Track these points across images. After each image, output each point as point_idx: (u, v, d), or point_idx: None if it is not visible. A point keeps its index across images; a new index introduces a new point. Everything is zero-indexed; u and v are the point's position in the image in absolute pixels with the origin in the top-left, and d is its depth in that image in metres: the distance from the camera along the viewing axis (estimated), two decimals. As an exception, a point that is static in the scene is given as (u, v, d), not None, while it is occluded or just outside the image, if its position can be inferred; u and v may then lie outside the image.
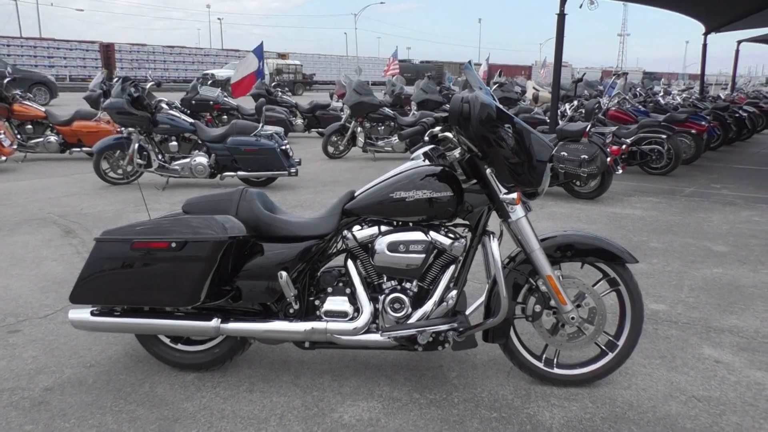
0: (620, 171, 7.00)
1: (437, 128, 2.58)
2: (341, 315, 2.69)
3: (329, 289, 2.75)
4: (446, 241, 2.62)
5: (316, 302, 2.75)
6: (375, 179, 2.73)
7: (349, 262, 2.72)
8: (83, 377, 2.81)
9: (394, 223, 2.69)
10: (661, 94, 13.88)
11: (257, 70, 14.26)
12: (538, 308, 2.70)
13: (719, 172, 9.77)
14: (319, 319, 2.71)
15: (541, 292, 2.69)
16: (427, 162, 2.68)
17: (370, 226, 2.69)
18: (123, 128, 7.64)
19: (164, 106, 7.66)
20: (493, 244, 2.58)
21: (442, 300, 2.64)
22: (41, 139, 9.85)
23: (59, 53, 42.85)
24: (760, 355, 3.08)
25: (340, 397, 2.65)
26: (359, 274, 2.70)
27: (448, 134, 2.77)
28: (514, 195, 2.53)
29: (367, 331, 2.66)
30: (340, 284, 2.77)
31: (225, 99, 12.21)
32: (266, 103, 12.77)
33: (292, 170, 7.45)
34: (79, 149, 9.88)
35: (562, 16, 8.39)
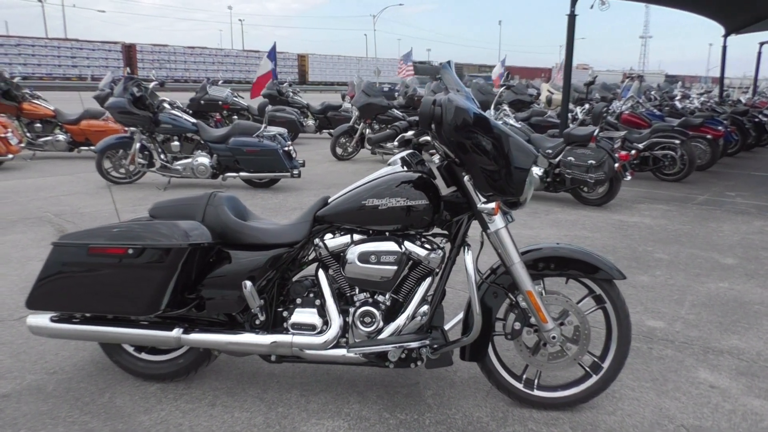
0: (629, 177, 6.78)
1: (409, 133, 2.44)
2: (309, 328, 2.56)
3: (298, 300, 2.62)
4: (422, 252, 2.48)
5: (284, 313, 2.62)
6: (351, 184, 2.60)
7: (320, 272, 2.59)
8: (43, 384, 2.71)
9: (369, 231, 2.55)
10: (679, 97, 13.56)
11: (272, 70, 14.28)
12: (517, 326, 2.54)
13: (735, 179, 9.47)
14: (285, 331, 2.58)
15: (521, 308, 2.53)
16: (404, 168, 2.54)
17: (342, 235, 2.55)
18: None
19: (166, 105, 7.61)
20: (467, 257, 2.43)
21: (415, 314, 2.49)
22: (50, 138, 9.88)
23: (82, 53, 43.50)
24: (760, 381, 2.88)
25: (305, 414, 2.52)
26: (330, 285, 2.57)
27: (429, 138, 2.63)
28: (493, 204, 2.37)
29: (336, 346, 2.52)
30: (310, 295, 2.63)
31: (234, 99, 12.16)
32: (277, 104, 12.74)
33: (294, 172, 7.35)
34: (86, 148, 9.90)
35: (572, 17, 8.18)
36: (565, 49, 8.49)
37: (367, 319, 2.50)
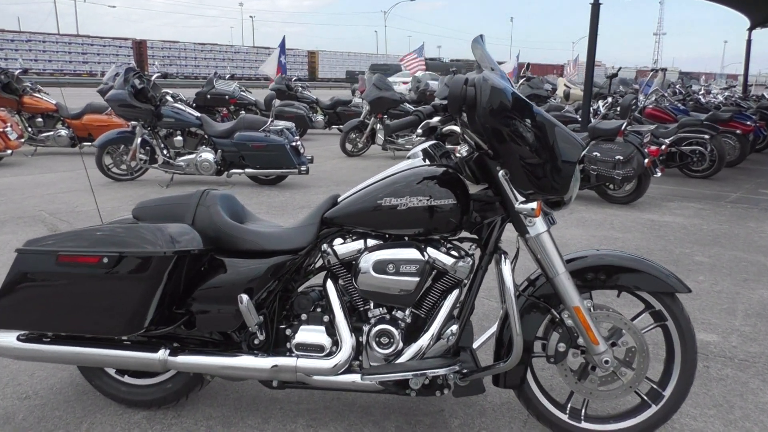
0: (659, 174, 6.35)
1: (435, 119, 2.05)
2: (316, 349, 2.18)
3: (303, 316, 2.25)
4: (448, 261, 2.10)
5: (288, 331, 2.25)
6: (364, 181, 2.22)
7: (329, 283, 2.22)
8: (13, 412, 2.36)
9: (385, 236, 2.17)
10: (702, 92, 13.05)
11: (280, 64, 13.94)
12: (562, 347, 2.15)
13: (767, 176, 9.00)
14: (289, 353, 2.21)
15: (566, 326, 2.14)
16: (426, 162, 2.16)
17: (354, 240, 2.18)
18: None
19: (169, 98, 7.27)
20: (505, 267, 2.04)
21: (441, 334, 2.11)
22: (51, 133, 9.58)
23: (93, 50, 43.46)
24: (842, 407, 2.47)
25: (312, 451, 2.15)
26: (340, 298, 2.19)
27: (454, 127, 2.26)
28: (534, 204, 1.99)
29: (348, 370, 2.15)
30: (318, 310, 2.26)
31: (242, 94, 11.81)
32: (286, 99, 12.38)
33: (302, 168, 6.99)
34: (89, 143, 9.58)
35: (596, 6, 7.75)
36: (588, 39, 8.06)
37: (384, 340, 2.12)
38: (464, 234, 2.21)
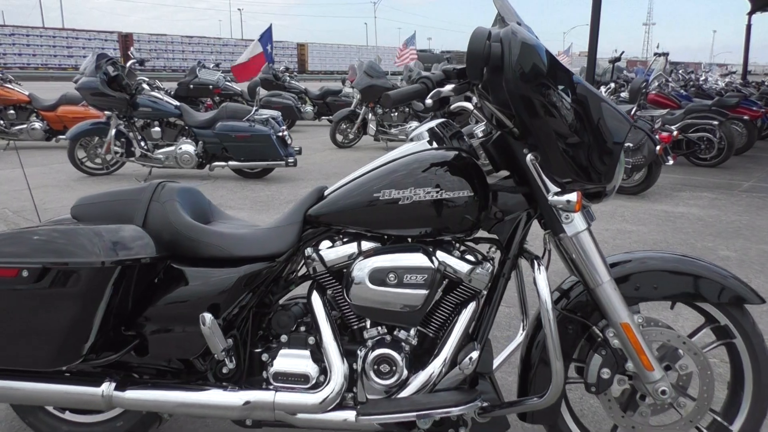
0: (671, 162, 5.95)
1: (447, 87, 1.62)
2: (299, 379, 1.75)
3: (284, 338, 1.82)
4: (463, 267, 1.67)
5: (264, 356, 1.81)
6: (357, 170, 1.79)
7: (315, 296, 1.78)
8: (-73, 459, 1.92)
9: (384, 237, 1.74)
10: (703, 78, 12.69)
11: (265, 53, 13.39)
12: (606, 373, 1.73)
13: (776, 163, 8.64)
14: (266, 384, 1.78)
15: (611, 348, 1.72)
16: (434, 144, 1.73)
17: (345, 243, 1.74)
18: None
19: (145, 86, 6.78)
20: (540, 275, 1.61)
21: (455, 358, 1.69)
22: (25, 126, 9.06)
23: (78, 43, 42.58)
24: None
25: (295, 507, 1.72)
26: (329, 314, 1.76)
27: (465, 104, 1.83)
28: (573, 196, 1.56)
29: (340, 405, 1.72)
30: (301, 329, 1.83)
31: (227, 84, 11.31)
32: (273, 89, 11.89)
33: (289, 160, 6.54)
34: (64, 137, 9.07)
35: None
36: (589, 29, 7.66)
37: (385, 367, 1.69)
38: (481, 233, 1.78)
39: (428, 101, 1.58)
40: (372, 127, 9.43)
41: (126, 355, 1.79)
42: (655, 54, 9.34)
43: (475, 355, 1.63)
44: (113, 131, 6.57)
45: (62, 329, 1.64)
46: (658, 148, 5.77)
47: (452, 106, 1.91)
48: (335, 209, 1.72)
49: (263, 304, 1.85)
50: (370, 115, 9.45)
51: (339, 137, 9.70)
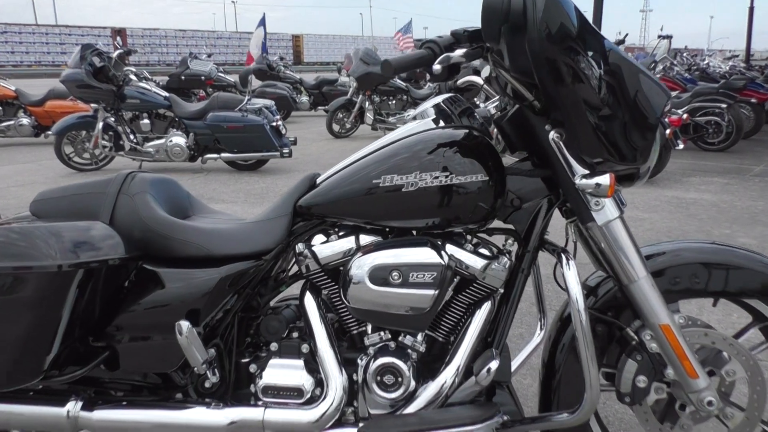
0: (681, 146, 5.71)
1: (457, 52, 1.38)
2: (292, 393, 1.54)
3: (274, 346, 1.60)
4: (477, 263, 1.46)
5: (252, 368, 1.60)
6: (354, 155, 1.57)
7: (308, 298, 1.56)
8: None
9: (386, 230, 1.53)
10: (706, 61, 12.44)
11: (261, 43, 13.15)
12: (642, 381, 1.51)
13: (784, 147, 8.42)
14: (254, 399, 1.56)
15: (647, 352, 1.50)
16: (441, 123, 1.51)
17: (341, 237, 1.52)
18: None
19: (133, 77, 6.53)
20: (569, 271, 1.40)
21: (470, 367, 1.47)
22: (12, 122, 8.82)
23: (71, 39, 42.29)
24: None
25: None
26: (324, 318, 1.55)
27: (474, 78, 1.63)
28: (605, 178, 1.34)
29: (339, 422, 1.51)
30: (294, 336, 1.61)
31: (219, 75, 11.05)
32: (267, 79, 11.64)
33: (284, 151, 6.31)
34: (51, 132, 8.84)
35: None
36: (592, 14, 7.41)
37: (389, 379, 1.48)
38: (495, 224, 1.56)
39: (436, 67, 1.35)
40: (369, 116, 9.20)
41: (95, 370, 1.57)
42: (659, 36, 9.09)
43: (493, 365, 1.41)
44: (101, 124, 6.33)
45: (19, 342, 1.42)
46: (668, 131, 5.54)
47: (459, 81, 1.70)
48: (329, 199, 1.50)
49: (250, 308, 1.63)
50: (367, 103, 9.22)
51: (335, 127, 9.46)
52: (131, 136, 6.47)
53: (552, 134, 1.38)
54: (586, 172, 1.38)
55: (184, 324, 1.46)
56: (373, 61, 9.15)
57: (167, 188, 1.70)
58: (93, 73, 6.22)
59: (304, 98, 12.17)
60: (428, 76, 9.16)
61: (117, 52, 6.61)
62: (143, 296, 1.54)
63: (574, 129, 1.33)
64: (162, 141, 6.41)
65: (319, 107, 12.27)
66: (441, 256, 1.42)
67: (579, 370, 1.43)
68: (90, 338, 1.57)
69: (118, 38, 8.29)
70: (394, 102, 9.31)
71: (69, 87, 6.27)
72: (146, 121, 6.47)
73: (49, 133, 8.75)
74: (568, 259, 1.40)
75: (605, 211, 1.41)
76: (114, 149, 6.51)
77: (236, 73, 11.91)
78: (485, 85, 1.69)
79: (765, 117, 9.13)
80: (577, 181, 1.37)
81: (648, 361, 1.49)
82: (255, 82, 10.84)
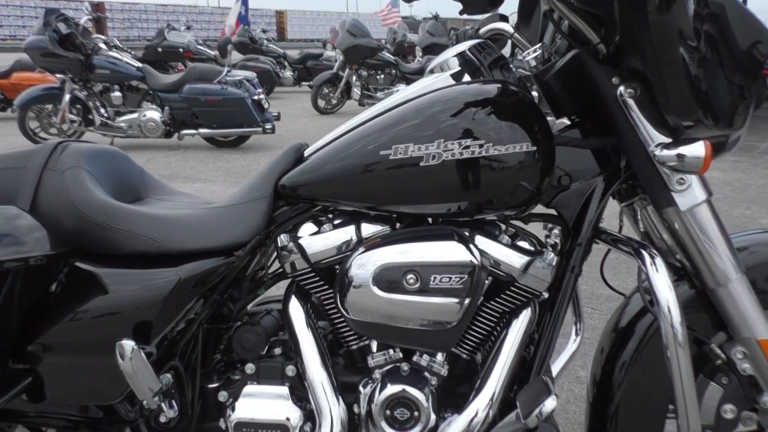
0: None
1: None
2: (273, 430, 1.18)
3: (250, 367, 1.23)
4: (515, 261, 1.11)
5: (222, 395, 1.23)
6: (351, 120, 1.20)
7: (293, 305, 1.20)
8: None
9: (393, 217, 1.17)
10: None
11: (239, 15, 12.61)
12: (729, 411, 1.17)
13: (787, 123, 8.14)
14: (224, 438, 1.21)
15: (738, 374, 1.16)
16: (465, 77, 1.15)
17: (337, 226, 1.16)
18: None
19: (102, 45, 6.06)
20: (657, 274, 1.04)
21: (506, 395, 1.13)
22: (-24, 96, 8.28)
23: (47, 13, 41.03)
24: None
25: None
26: (314, 330, 1.19)
27: (502, 25, 1.29)
28: (699, 147, 0.99)
29: (334, 467, 1.16)
30: (275, 353, 1.25)
31: (199, 47, 10.52)
32: (249, 53, 11.14)
33: (267, 126, 5.91)
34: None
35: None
36: None
37: (402, 413, 1.13)
38: (536, 209, 1.20)
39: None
40: (356, 91, 8.79)
41: (15, 401, 1.20)
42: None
43: (549, 404, 1.05)
44: (67, 97, 5.87)
45: None
46: None
47: (482, 30, 1.35)
48: (321, 176, 1.13)
49: (218, 319, 1.26)
50: (354, 78, 8.81)
51: (321, 102, 9.03)
52: (101, 110, 6.02)
53: (622, 89, 1.03)
54: (668, 140, 1.03)
55: (128, 344, 1.09)
56: (361, 33, 8.72)
57: (111, 162, 1.32)
58: (59, 40, 5.74)
59: (288, 73, 11.67)
60: (418, 51, 8.59)
61: (85, 17, 6.12)
62: (76, 305, 1.17)
63: (661, 79, 0.98)
64: (135, 115, 5.98)
65: (304, 83, 11.78)
66: (472, 252, 1.06)
67: (648, 395, 1.10)
68: (9, 360, 1.20)
69: (87, 3, 7.76)
70: (382, 76, 8.89)
71: (32, 56, 5.79)
72: (117, 93, 6.02)
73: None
74: (653, 258, 1.04)
75: (691, 192, 1.06)
76: (83, 124, 6.05)
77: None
78: (516, 34, 1.34)
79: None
80: (657, 151, 1.02)
81: (738, 386, 1.16)
82: (236, 56, 10.36)
